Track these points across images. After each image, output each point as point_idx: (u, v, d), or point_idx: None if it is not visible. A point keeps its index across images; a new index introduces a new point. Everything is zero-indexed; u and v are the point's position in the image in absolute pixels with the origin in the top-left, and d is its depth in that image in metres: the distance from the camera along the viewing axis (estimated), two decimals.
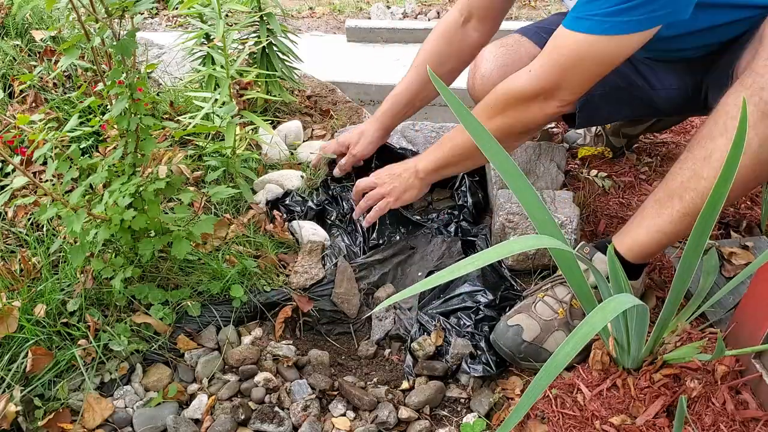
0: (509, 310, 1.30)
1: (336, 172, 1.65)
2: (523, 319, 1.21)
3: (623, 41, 1.11)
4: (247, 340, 1.30)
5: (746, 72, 1.07)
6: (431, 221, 1.68)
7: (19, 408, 1.10)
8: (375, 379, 1.25)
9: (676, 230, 1.14)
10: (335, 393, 1.21)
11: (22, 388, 1.13)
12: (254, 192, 1.62)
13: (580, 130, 1.91)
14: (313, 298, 1.38)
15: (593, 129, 1.88)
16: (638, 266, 1.21)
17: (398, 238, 1.61)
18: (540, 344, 1.19)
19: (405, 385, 1.22)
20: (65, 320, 1.21)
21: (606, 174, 1.75)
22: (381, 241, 1.62)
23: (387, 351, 1.33)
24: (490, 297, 1.36)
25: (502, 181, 1.44)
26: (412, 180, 1.45)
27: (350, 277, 1.41)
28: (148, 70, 1.62)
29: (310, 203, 1.60)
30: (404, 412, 1.14)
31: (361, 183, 1.50)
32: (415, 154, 1.71)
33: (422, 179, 1.45)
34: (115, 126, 1.20)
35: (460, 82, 2.36)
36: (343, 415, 1.16)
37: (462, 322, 1.32)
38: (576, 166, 1.79)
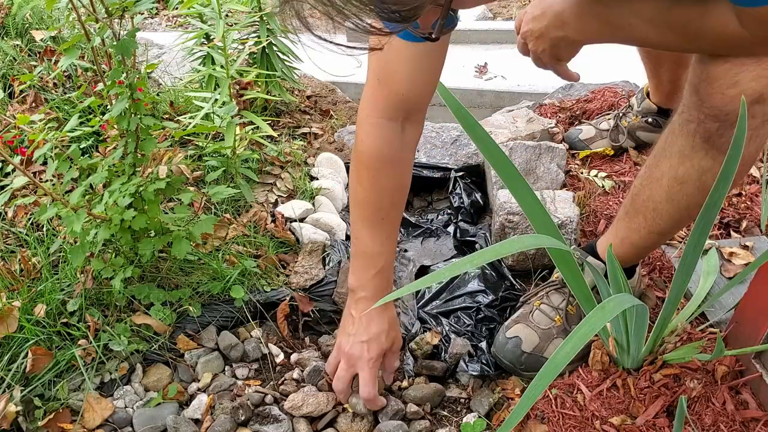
0: (509, 312, 1.30)
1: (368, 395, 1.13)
2: (521, 329, 1.20)
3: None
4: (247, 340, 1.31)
5: (693, 95, 0.97)
6: (431, 222, 1.68)
7: (19, 408, 1.10)
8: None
9: (646, 245, 1.14)
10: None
11: (22, 388, 1.13)
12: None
13: (581, 126, 1.90)
14: (313, 299, 1.38)
15: (601, 125, 1.86)
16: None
17: (398, 238, 1.61)
18: (540, 354, 1.18)
19: (404, 383, 1.22)
20: (65, 320, 1.21)
21: (606, 174, 1.75)
22: None
23: None
24: (491, 297, 1.36)
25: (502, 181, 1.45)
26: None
27: None
28: (148, 70, 1.62)
29: None
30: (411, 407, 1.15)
31: None
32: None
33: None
34: (115, 126, 1.20)
35: (461, 82, 2.36)
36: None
37: (462, 322, 1.32)
38: (576, 165, 1.79)
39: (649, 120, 1.73)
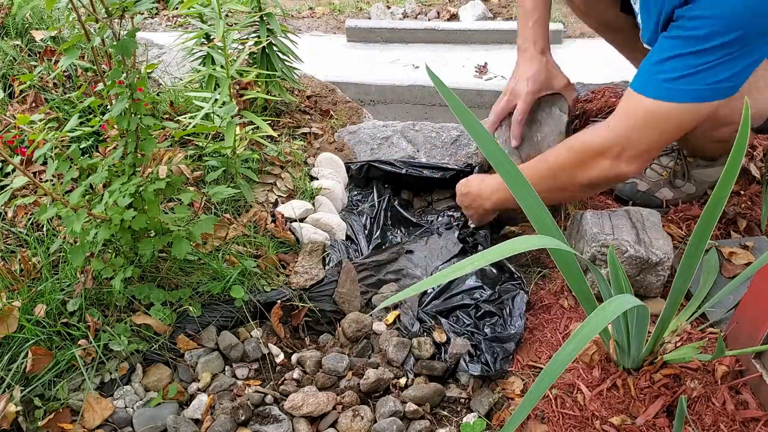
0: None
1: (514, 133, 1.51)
2: (636, 179, 1.61)
3: (691, 109, 1.14)
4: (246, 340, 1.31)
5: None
6: (432, 222, 1.68)
7: (19, 408, 1.10)
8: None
9: None
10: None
11: (22, 388, 1.13)
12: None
13: (592, 124, 1.89)
14: (313, 299, 1.38)
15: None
16: None
17: (399, 239, 1.61)
18: (651, 194, 1.55)
19: (403, 381, 1.22)
20: (65, 320, 1.21)
21: None
22: (385, 237, 1.62)
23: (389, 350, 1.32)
24: (489, 292, 1.36)
25: None
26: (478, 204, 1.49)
27: (354, 279, 1.41)
28: (148, 70, 1.62)
29: None
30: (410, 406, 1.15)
31: None
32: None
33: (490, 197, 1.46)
34: (115, 126, 1.20)
35: (461, 81, 2.36)
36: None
37: (462, 321, 1.32)
38: None
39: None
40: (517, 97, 1.47)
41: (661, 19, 1.16)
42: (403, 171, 1.74)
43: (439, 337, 1.29)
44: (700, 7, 1.06)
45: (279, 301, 1.34)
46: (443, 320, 1.33)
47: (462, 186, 1.52)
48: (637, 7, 1.30)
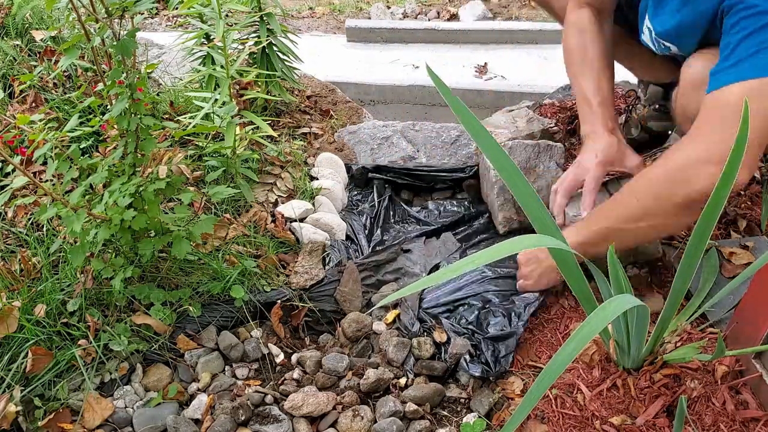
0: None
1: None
2: None
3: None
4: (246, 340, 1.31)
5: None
6: (434, 220, 1.68)
7: (19, 408, 1.10)
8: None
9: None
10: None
11: (22, 388, 1.13)
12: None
13: None
14: (313, 299, 1.38)
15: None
16: None
17: (403, 237, 1.61)
18: None
19: (403, 381, 1.22)
20: (65, 320, 1.21)
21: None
22: (385, 237, 1.62)
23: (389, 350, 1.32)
24: (491, 295, 1.36)
25: (502, 182, 1.44)
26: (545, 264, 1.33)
27: (356, 279, 1.41)
28: (148, 70, 1.62)
29: None
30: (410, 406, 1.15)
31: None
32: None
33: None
34: (115, 126, 1.20)
35: (461, 81, 2.36)
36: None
37: (463, 321, 1.32)
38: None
39: (657, 107, 1.71)
40: (586, 171, 1.34)
41: (706, 23, 1.13)
42: (401, 181, 1.77)
43: (440, 336, 1.29)
44: None
45: (279, 301, 1.34)
46: (444, 320, 1.33)
47: (526, 252, 1.37)
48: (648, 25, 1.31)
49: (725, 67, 1.08)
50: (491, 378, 1.22)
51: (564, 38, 1.50)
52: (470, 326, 1.30)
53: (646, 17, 1.32)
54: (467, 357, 1.23)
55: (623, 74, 2.23)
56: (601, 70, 1.42)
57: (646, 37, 1.37)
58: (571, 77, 1.49)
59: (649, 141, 1.79)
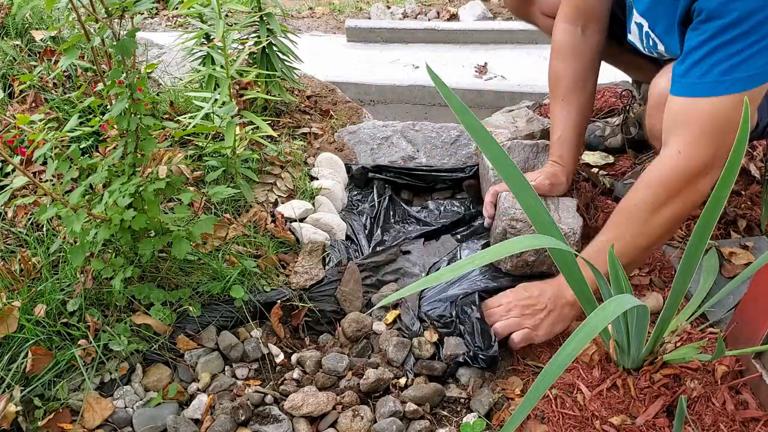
0: None
1: None
2: (634, 180, 1.42)
3: (757, 93, 1.08)
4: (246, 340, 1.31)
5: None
6: (434, 220, 1.68)
7: (19, 408, 1.10)
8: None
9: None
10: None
11: (22, 388, 1.13)
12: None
13: (599, 122, 1.91)
14: (313, 299, 1.38)
15: (612, 120, 1.88)
16: None
17: (403, 237, 1.61)
18: None
19: (403, 381, 1.22)
20: (65, 320, 1.21)
21: (605, 172, 1.75)
22: (385, 237, 1.62)
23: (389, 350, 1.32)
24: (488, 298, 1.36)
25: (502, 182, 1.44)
26: (565, 311, 1.26)
27: (357, 279, 1.41)
28: (148, 70, 1.62)
29: None
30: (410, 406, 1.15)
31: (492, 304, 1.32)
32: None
33: (576, 307, 1.25)
34: (115, 126, 1.20)
35: (461, 81, 2.36)
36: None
37: (461, 320, 1.32)
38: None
39: None
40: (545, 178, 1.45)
41: (678, 15, 1.13)
42: (401, 181, 1.77)
43: (431, 336, 1.28)
44: None
45: (279, 301, 1.34)
46: (443, 321, 1.33)
47: (523, 290, 1.30)
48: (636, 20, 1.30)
49: (699, 72, 1.08)
50: (484, 365, 1.21)
51: (550, 58, 1.53)
52: (461, 322, 1.30)
53: (634, 12, 1.32)
54: (466, 357, 1.23)
55: (624, 74, 2.23)
56: (573, 101, 1.48)
57: (634, 36, 1.36)
58: (550, 100, 1.55)
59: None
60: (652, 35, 1.27)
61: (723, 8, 1.02)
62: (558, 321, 1.25)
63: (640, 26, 1.30)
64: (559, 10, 1.49)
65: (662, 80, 1.23)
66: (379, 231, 1.64)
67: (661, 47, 1.27)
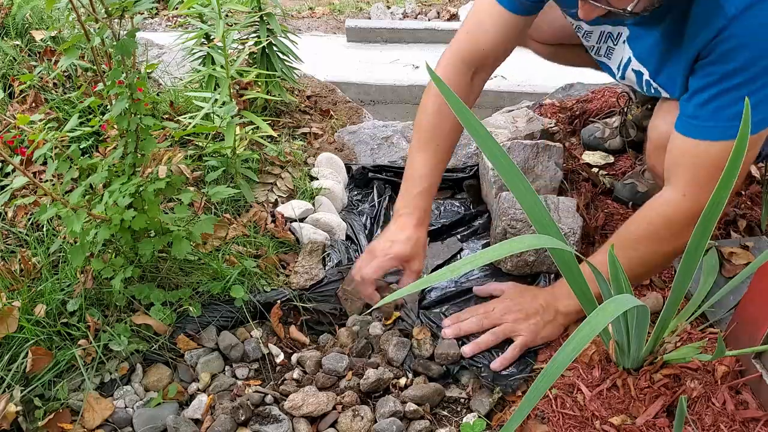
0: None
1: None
2: (635, 180, 1.62)
3: (758, 138, 1.09)
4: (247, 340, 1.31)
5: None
6: (434, 220, 1.68)
7: (19, 408, 1.10)
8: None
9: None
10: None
11: (22, 388, 1.13)
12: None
13: (598, 123, 1.91)
14: (313, 299, 1.38)
15: (611, 121, 1.88)
16: None
17: None
18: (650, 196, 1.29)
19: (403, 381, 1.22)
20: (65, 320, 1.21)
21: (605, 172, 1.75)
22: None
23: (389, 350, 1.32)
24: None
25: (501, 182, 1.44)
26: (558, 319, 1.24)
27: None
28: (148, 70, 1.62)
29: None
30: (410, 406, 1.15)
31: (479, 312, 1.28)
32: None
33: (567, 318, 1.25)
34: (115, 126, 1.20)
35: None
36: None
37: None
38: (573, 164, 1.79)
39: (648, 106, 1.71)
40: (373, 258, 1.30)
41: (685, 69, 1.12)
42: (401, 181, 1.75)
43: (418, 335, 1.28)
44: (731, 39, 1.01)
45: (278, 301, 1.34)
46: (426, 320, 1.33)
47: (517, 294, 1.28)
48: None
49: (708, 113, 1.08)
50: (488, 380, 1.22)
51: (423, 98, 1.43)
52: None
53: (630, 58, 1.26)
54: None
55: None
56: (443, 153, 1.37)
57: (629, 81, 1.31)
58: (411, 148, 1.41)
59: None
60: (654, 84, 1.23)
61: (730, 54, 1.02)
62: (549, 327, 1.24)
63: (639, 74, 1.26)
64: (451, 49, 1.38)
65: (661, 123, 1.23)
66: (379, 231, 1.64)
67: (665, 93, 1.24)
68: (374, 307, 1.37)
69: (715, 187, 1.03)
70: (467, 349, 1.22)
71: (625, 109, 1.81)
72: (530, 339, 1.22)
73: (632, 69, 1.27)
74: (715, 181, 1.03)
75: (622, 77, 1.32)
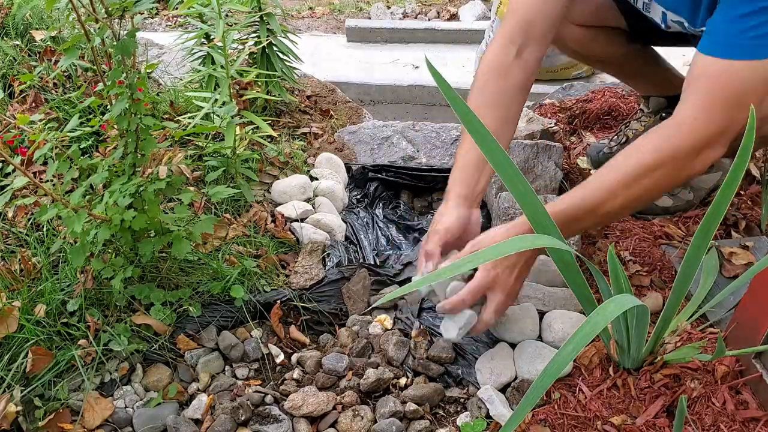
0: None
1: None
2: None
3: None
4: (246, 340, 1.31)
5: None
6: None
7: (19, 408, 1.10)
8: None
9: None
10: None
11: (22, 388, 1.13)
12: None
13: (604, 140, 1.80)
14: (313, 299, 1.38)
15: (619, 138, 1.75)
16: None
17: (398, 244, 1.62)
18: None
19: (403, 381, 1.22)
20: (65, 320, 1.21)
21: None
22: (381, 242, 1.62)
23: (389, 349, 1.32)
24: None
25: (501, 182, 1.44)
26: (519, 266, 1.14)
27: (366, 286, 1.41)
28: (148, 70, 1.62)
29: None
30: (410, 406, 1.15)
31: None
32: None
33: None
34: (115, 126, 1.20)
35: (460, 82, 2.36)
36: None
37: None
38: (570, 164, 1.79)
39: (662, 115, 1.68)
40: (429, 235, 1.23)
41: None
42: (401, 181, 1.76)
43: (416, 337, 1.28)
44: None
45: (278, 302, 1.34)
46: (419, 320, 1.33)
47: (483, 271, 1.12)
48: None
49: (733, 31, 1.00)
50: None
51: (476, 75, 1.36)
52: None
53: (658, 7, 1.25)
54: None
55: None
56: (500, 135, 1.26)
57: (655, 12, 1.29)
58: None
59: None
60: (698, 31, 1.18)
61: None
62: (520, 274, 1.14)
63: (681, 23, 1.22)
64: (498, 31, 1.34)
65: None
66: (378, 231, 1.64)
67: (686, 23, 1.20)
68: (374, 306, 1.37)
69: (730, 113, 0.98)
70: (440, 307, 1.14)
71: (627, 122, 1.77)
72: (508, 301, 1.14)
73: (671, 20, 1.25)
74: (730, 107, 0.98)
75: (668, 27, 1.29)
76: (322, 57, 3.56)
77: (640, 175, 1.06)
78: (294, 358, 1.30)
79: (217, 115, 1.54)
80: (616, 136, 1.79)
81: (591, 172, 1.74)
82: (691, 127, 1.04)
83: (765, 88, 1.01)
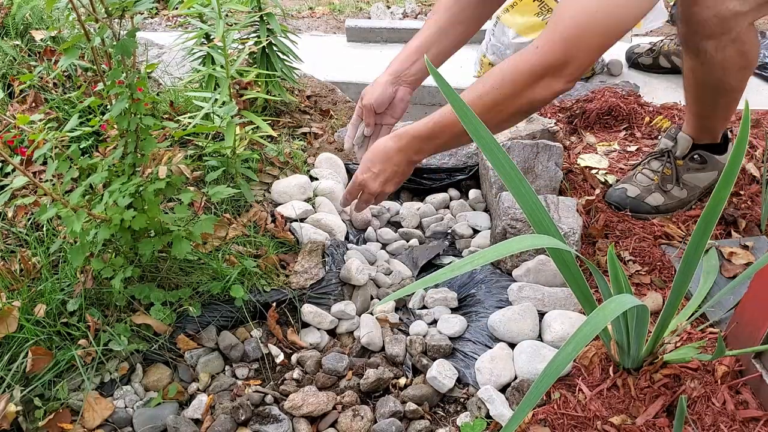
0: None
1: (349, 138, 1.59)
2: (627, 184, 1.61)
3: (627, 8, 1.07)
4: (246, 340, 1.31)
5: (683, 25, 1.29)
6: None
7: (19, 408, 1.10)
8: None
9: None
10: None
11: (22, 388, 1.13)
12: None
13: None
14: (313, 299, 1.38)
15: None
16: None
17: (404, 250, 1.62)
18: (642, 200, 1.55)
19: (402, 381, 1.22)
20: (65, 320, 1.21)
21: (605, 171, 1.75)
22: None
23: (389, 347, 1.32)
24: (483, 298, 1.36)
25: (501, 182, 1.44)
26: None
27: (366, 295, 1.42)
28: (148, 70, 1.61)
29: None
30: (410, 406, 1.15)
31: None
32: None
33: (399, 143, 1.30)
34: (115, 126, 1.20)
35: (460, 82, 2.36)
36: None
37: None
38: (570, 163, 1.79)
39: (695, 157, 1.60)
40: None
41: None
42: None
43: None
44: None
45: (274, 304, 1.34)
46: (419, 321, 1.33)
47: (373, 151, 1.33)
48: None
49: None
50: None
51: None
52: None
53: None
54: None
55: (623, 75, 2.23)
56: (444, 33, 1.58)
57: None
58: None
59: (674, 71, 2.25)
60: None
61: None
62: (390, 178, 1.32)
63: None
64: None
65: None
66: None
67: None
68: (374, 305, 1.37)
69: (570, 50, 1.08)
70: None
71: (660, 44, 1.98)
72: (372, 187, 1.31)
73: None
74: (571, 44, 1.08)
75: None
76: (322, 57, 3.56)
77: (486, 92, 1.17)
78: (294, 358, 1.30)
79: (217, 115, 1.54)
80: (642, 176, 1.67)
81: (592, 170, 1.74)
82: (532, 53, 1.13)
83: (601, 38, 1.10)
